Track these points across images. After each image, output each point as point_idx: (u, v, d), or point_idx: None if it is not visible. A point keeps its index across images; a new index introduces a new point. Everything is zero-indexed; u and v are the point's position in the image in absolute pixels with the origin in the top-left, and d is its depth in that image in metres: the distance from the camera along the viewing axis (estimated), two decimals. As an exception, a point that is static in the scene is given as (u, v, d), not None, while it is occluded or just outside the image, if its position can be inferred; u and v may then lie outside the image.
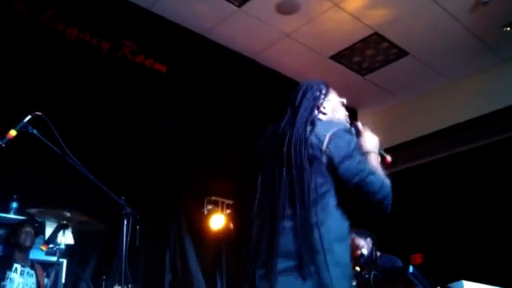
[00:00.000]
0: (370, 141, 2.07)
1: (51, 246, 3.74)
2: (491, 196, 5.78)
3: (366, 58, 5.74)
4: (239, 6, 4.83)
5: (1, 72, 4.04)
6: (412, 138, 6.42)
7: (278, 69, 5.88)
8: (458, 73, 6.00)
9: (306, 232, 1.79)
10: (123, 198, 2.85)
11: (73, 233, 3.87)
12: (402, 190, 6.60)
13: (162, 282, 5.38)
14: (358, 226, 4.38)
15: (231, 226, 6.01)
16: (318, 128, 1.94)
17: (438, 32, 5.23)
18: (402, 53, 5.62)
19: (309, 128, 1.94)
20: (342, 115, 2.18)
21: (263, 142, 2.11)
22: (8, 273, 3.85)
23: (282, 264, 1.78)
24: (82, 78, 4.44)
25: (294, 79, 5.84)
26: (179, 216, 5.80)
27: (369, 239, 4.45)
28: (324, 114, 2.11)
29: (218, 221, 5.93)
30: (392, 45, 5.47)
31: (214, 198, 6.02)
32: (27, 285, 3.93)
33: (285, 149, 1.93)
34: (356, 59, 5.75)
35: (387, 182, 1.89)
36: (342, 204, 1.86)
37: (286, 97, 2.16)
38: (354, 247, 4.39)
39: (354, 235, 4.42)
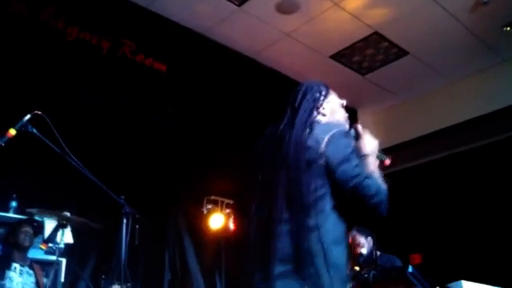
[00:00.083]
0: (369, 144, 2.07)
1: (50, 245, 3.74)
2: (490, 196, 5.78)
3: (366, 58, 5.73)
4: (239, 6, 4.82)
5: (1, 71, 4.03)
6: (412, 137, 6.42)
7: (278, 68, 5.87)
8: (458, 73, 6.00)
9: (302, 235, 1.79)
10: (123, 197, 2.85)
11: (72, 232, 3.87)
12: (402, 189, 6.65)
13: (161, 282, 5.38)
14: (358, 225, 4.39)
15: (231, 225, 6.02)
16: (317, 130, 1.94)
17: (438, 32, 5.23)
18: (402, 52, 5.61)
19: (307, 130, 1.94)
20: (341, 117, 2.18)
21: (263, 142, 2.11)
22: (7, 272, 3.85)
23: (279, 268, 1.79)
24: (81, 77, 4.44)
25: (294, 79, 5.84)
26: (178, 215, 5.80)
27: (369, 238, 4.46)
28: (323, 115, 2.10)
29: (217, 220, 5.93)
30: (392, 44, 5.47)
31: (213, 197, 6.02)
32: (26, 284, 3.93)
33: (283, 150, 1.93)
34: (356, 59, 5.75)
35: (384, 186, 1.89)
36: (338, 207, 1.86)
37: (285, 97, 2.16)
38: (355, 245, 4.40)
39: (355, 232, 4.43)
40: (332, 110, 2.15)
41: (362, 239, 4.43)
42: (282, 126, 2.03)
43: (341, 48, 5.55)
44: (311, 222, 1.81)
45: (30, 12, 4.13)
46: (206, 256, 5.83)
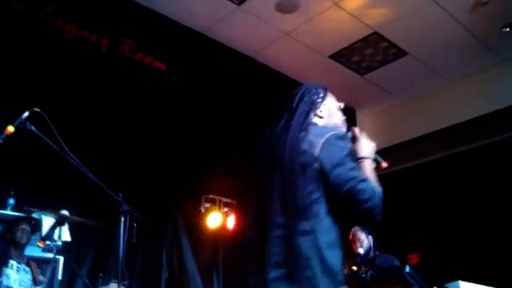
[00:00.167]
0: (366, 147, 2.06)
1: (48, 242, 3.74)
2: (489, 196, 5.79)
3: (365, 58, 5.74)
4: (239, 5, 4.82)
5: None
6: (410, 137, 6.43)
7: (277, 68, 5.87)
8: (458, 73, 6.01)
9: (296, 239, 1.78)
10: (120, 195, 2.85)
11: (70, 230, 3.86)
12: (400, 189, 6.67)
13: (159, 280, 5.38)
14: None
15: (228, 224, 6.02)
16: (312, 133, 1.93)
17: (437, 32, 5.23)
18: (401, 52, 5.62)
19: (303, 133, 1.93)
20: (338, 120, 2.17)
21: (262, 142, 2.10)
22: (4, 269, 3.84)
23: (273, 273, 1.78)
24: (80, 75, 4.43)
25: (293, 78, 5.84)
26: (177, 214, 5.79)
27: (370, 237, 4.46)
28: (321, 117, 2.10)
29: (215, 219, 5.92)
30: (391, 44, 5.47)
31: (211, 196, 6.01)
32: (23, 281, 3.93)
33: (279, 153, 1.93)
34: (355, 58, 5.75)
35: (379, 190, 1.87)
36: (333, 211, 1.85)
37: (284, 98, 2.15)
38: (355, 240, 4.41)
39: (356, 229, 4.44)
40: (329, 112, 2.14)
41: (362, 235, 4.44)
42: (278, 128, 2.02)
43: (340, 48, 5.55)
44: (306, 225, 1.80)
45: (29, 10, 4.12)
46: (203, 255, 5.82)
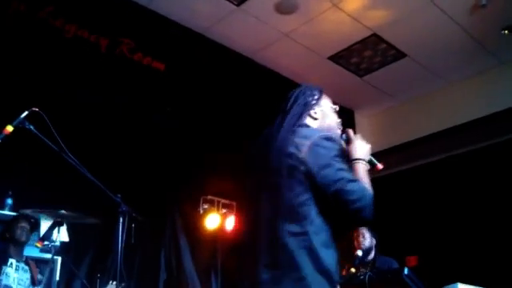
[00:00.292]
0: (361, 148, 2.05)
1: (46, 242, 3.73)
2: (487, 199, 5.79)
3: (364, 59, 5.74)
4: (238, 5, 4.82)
5: (-1, 68, 4.03)
6: (409, 139, 6.43)
7: (276, 69, 5.87)
8: (456, 75, 6.01)
9: (286, 241, 1.79)
10: (119, 195, 2.85)
11: (68, 230, 3.86)
12: (398, 191, 6.66)
13: (157, 281, 5.37)
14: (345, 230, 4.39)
15: (227, 225, 6.02)
16: (299, 136, 1.93)
17: (436, 34, 5.24)
18: (400, 54, 5.62)
19: (290, 135, 1.93)
20: (332, 121, 2.17)
21: (257, 144, 2.11)
22: (3, 268, 3.84)
23: (265, 275, 1.79)
24: (79, 75, 4.42)
25: (292, 79, 5.84)
26: (175, 215, 5.79)
27: (373, 239, 4.47)
28: (315, 119, 2.10)
29: (213, 220, 5.92)
30: (390, 46, 5.48)
31: (209, 197, 6.01)
32: (22, 280, 3.93)
33: (268, 156, 1.94)
34: (354, 60, 5.75)
35: (369, 191, 1.86)
36: (323, 212, 1.84)
37: (281, 99, 2.16)
38: (358, 234, 4.42)
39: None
40: (324, 114, 2.14)
41: (367, 233, 4.44)
42: (272, 130, 2.03)
43: (339, 49, 5.55)
44: (296, 227, 1.80)
45: (29, 10, 4.12)
46: (201, 256, 5.82)
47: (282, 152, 1.90)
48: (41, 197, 4.29)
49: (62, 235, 3.70)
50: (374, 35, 5.28)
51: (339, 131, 2.16)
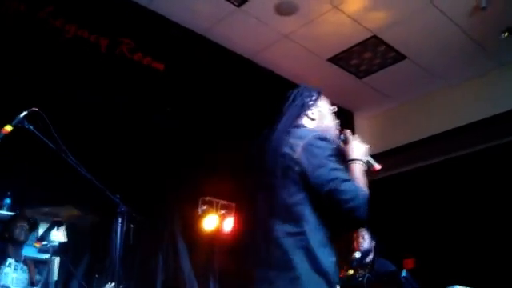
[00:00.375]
0: (358, 149, 2.06)
1: (44, 243, 3.73)
2: (485, 201, 5.79)
3: (363, 61, 5.74)
4: (238, 6, 4.82)
5: (-2, 68, 4.02)
6: (408, 141, 6.43)
7: (276, 70, 5.87)
8: (456, 77, 6.01)
9: (282, 241, 1.80)
10: (118, 196, 2.85)
11: (66, 230, 3.86)
12: (396, 193, 6.66)
13: (155, 282, 5.36)
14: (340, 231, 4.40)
15: (225, 226, 6.02)
16: (293, 136, 1.94)
17: (436, 36, 5.24)
18: (399, 56, 5.62)
19: (285, 136, 1.95)
20: (330, 122, 2.18)
21: (257, 145, 2.11)
22: (2, 267, 3.83)
23: (260, 275, 1.80)
24: (79, 74, 4.42)
25: (292, 81, 5.84)
26: (173, 215, 5.78)
27: (373, 241, 4.47)
28: (312, 120, 2.12)
29: (211, 221, 5.91)
30: (390, 48, 5.48)
31: (208, 198, 6.00)
32: (20, 280, 3.92)
33: (264, 156, 1.96)
34: (354, 62, 5.75)
35: (364, 191, 1.86)
36: (319, 211, 1.85)
37: (281, 100, 2.17)
38: (357, 235, 4.42)
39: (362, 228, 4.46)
40: (321, 114, 2.15)
41: (365, 234, 4.44)
42: (270, 131, 2.04)
43: (339, 51, 5.55)
44: (292, 227, 1.81)
45: (28, 9, 4.11)
46: (199, 257, 5.81)
47: (277, 152, 1.91)
48: (40, 197, 4.29)
49: (59, 235, 3.69)
50: (374, 37, 5.29)
51: (337, 132, 2.17)
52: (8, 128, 2.47)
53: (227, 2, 4.76)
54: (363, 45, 5.41)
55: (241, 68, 5.58)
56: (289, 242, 1.79)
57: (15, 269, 3.90)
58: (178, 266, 5.60)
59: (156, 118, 5.02)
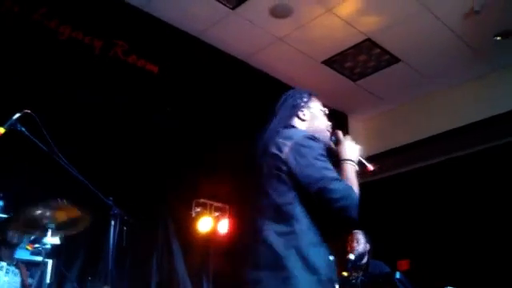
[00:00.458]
0: (350, 149, 2.07)
1: (37, 245, 3.70)
2: (480, 202, 5.81)
3: (358, 64, 5.76)
4: (233, 9, 4.82)
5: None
6: (401, 144, 6.45)
7: (271, 72, 5.88)
8: (449, 80, 6.04)
9: (272, 241, 1.80)
10: (111, 198, 2.84)
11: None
12: (391, 195, 6.67)
13: (149, 284, 5.34)
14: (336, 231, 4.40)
15: (219, 228, 6.01)
16: (282, 136, 1.95)
17: (429, 39, 5.27)
18: (393, 59, 5.65)
19: (274, 137, 1.96)
20: (322, 124, 2.18)
21: (253, 146, 2.12)
22: (-6, 271, 3.80)
23: (252, 275, 1.80)
24: (74, 76, 4.41)
25: (286, 83, 5.85)
26: (167, 218, 5.76)
27: (368, 244, 4.48)
28: (303, 120, 2.13)
29: (205, 223, 5.90)
30: (384, 51, 5.50)
31: (202, 200, 5.99)
32: (12, 284, 3.88)
33: (255, 157, 1.98)
34: (348, 65, 5.77)
35: (354, 191, 1.87)
36: (310, 211, 1.85)
37: (275, 102, 2.19)
38: (352, 239, 4.43)
39: (357, 231, 4.46)
40: (313, 116, 2.16)
41: (360, 236, 4.45)
42: (261, 131, 2.05)
43: (333, 54, 5.57)
44: (283, 227, 1.82)
45: (22, 10, 4.10)
46: (193, 259, 5.79)
47: (266, 152, 1.93)
48: (33, 198, 4.25)
49: (52, 238, 3.66)
50: (368, 40, 5.31)
51: (328, 133, 2.17)
52: (0, 130, 2.46)
53: (222, 5, 4.76)
54: (357, 48, 5.43)
55: (235, 70, 5.59)
56: (279, 242, 1.79)
57: (7, 272, 3.86)
58: (172, 268, 5.58)
59: (151, 120, 5.01)
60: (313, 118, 2.15)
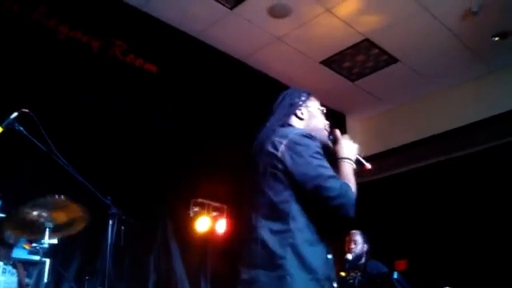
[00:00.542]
0: (347, 148, 2.07)
1: (34, 244, 3.69)
2: (477, 203, 5.82)
3: (356, 64, 5.76)
4: (231, 9, 4.82)
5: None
6: (399, 144, 6.46)
7: (269, 72, 5.88)
8: (448, 80, 6.05)
9: (267, 240, 1.80)
10: (109, 197, 2.83)
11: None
12: (389, 195, 6.67)
13: (147, 283, 5.34)
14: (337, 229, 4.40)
15: (217, 228, 6.01)
16: (278, 135, 1.95)
17: (428, 40, 5.27)
18: (392, 59, 5.65)
19: (270, 135, 1.97)
20: (319, 122, 2.19)
21: (253, 146, 2.14)
22: (-10, 270, 3.79)
23: (247, 274, 1.81)
24: (72, 76, 4.40)
25: (285, 83, 5.85)
26: (165, 217, 5.76)
27: (366, 245, 4.48)
28: (301, 119, 2.13)
29: (203, 223, 5.90)
30: (382, 51, 5.50)
31: (200, 200, 5.99)
32: (9, 283, 3.87)
33: (252, 156, 1.99)
34: (346, 65, 5.77)
35: (351, 189, 1.87)
36: (306, 209, 1.85)
37: (273, 101, 2.19)
38: (350, 240, 4.43)
39: (356, 231, 4.47)
40: (310, 115, 2.16)
41: (358, 237, 4.45)
42: (259, 130, 2.06)
43: (331, 54, 5.57)
44: (278, 225, 1.82)
45: (22, 9, 4.09)
46: (191, 259, 5.79)
47: (262, 151, 1.94)
48: (31, 198, 4.24)
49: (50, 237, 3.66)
50: (367, 40, 5.31)
51: (326, 132, 2.17)
52: (-2, 130, 2.46)
53: (220, 5, 4.76)
54: (356, 48, 5.43)
55: (234, 70, 5.58)
56: (275, 240, 1.79)
57: (4, 272, 3.85)
58: (170, 268, 5.58)
59: (152, 119, 5.00)
60: (310, 117, 2.15)
